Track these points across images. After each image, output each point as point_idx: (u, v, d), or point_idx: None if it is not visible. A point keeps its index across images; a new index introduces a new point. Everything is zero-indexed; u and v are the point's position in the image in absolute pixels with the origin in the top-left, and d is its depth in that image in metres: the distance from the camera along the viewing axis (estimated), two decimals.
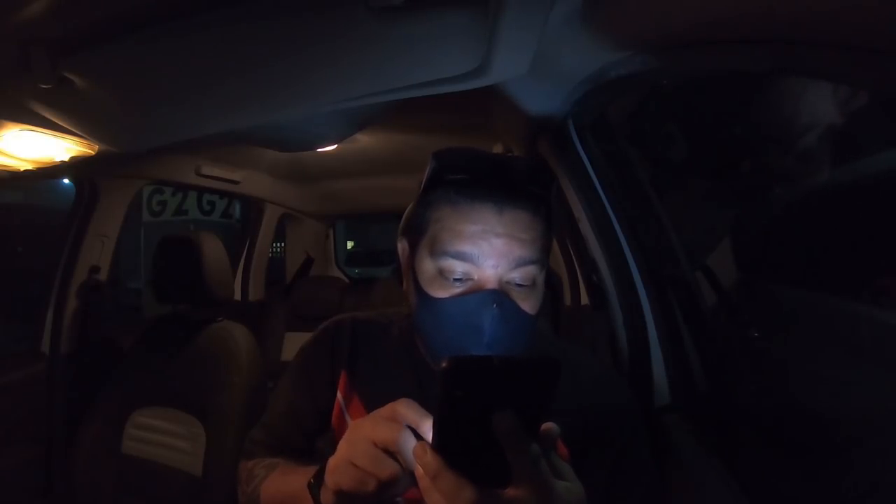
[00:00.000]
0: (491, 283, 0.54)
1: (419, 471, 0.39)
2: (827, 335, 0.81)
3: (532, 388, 0.38)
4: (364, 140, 1.63)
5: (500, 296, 0.53)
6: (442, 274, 0.55)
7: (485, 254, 0.53)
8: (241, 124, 0.84)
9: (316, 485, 0.51)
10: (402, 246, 0.65)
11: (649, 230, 0.89)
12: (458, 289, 0.55)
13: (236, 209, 5.31)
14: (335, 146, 1.46)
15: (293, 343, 2.28)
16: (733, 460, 0.65)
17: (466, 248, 0.53)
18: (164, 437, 1.21)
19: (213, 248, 1.27)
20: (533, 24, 0.57)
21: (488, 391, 0.37)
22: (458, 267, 0.54)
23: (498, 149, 1.47)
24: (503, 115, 1.05)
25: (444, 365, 0.36)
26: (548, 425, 0.41)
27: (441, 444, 0.39)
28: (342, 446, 0.45)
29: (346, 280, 2.88)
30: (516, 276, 0.54)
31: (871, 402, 0.67)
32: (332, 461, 0.46)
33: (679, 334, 0.83)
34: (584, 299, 1.65)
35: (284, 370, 0.75)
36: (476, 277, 0.54)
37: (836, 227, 0.84)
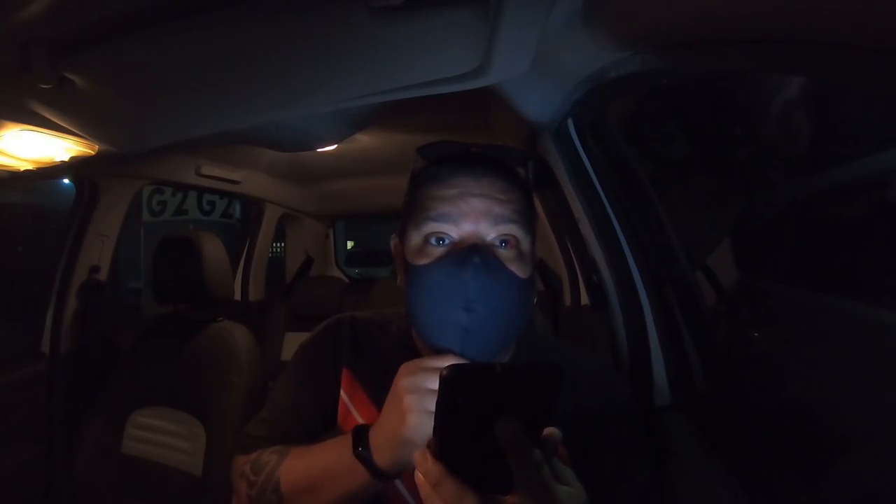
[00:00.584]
0: (472, 240, 0.54)
1: (420, 478, 0.39)
2: (826, 335, 0.81)
3: (534, 394, 0.38)
4: (364, 140, 1.63)
5: (481, 250, 0.53)
6: (426, 241, 0.56)
7: (463, 213, 0.55)
8: (241, 124, 0.85)
9: (364, 451, 0.52)
10: (394, 242, 0.65)
11: (649, 230, 0.89)
12: (441, 252, 0.55)
13: (236, 209, 5.31)
14: (335, 146, 1.46)
15: (293, 343, 2.28)
16: (733, 460, 0.65)
17: (445, 209, 0.55)
18: (164, 437, 1.21)
19: (213, 248, 1.27)
20: (533, 23, 0.57)
21: (490, 398, 0.37)
22: (439, 228, 0.55)
23: None
24: (503, 115, 1.05)
25: (444, 373, 0.36)
26: (550, 430, 0.41)
27: (443, 451, 0.39)
28: (410, 402, 0.49)
29: (346, 280, 2.88)
30: (497, 234, 0.55)
31: (870, 401, 0.67)
32: (414, 420, 0.48)
33: (679, 334, 0.83)
34: (584, 299, 1.65)
35: (284, 369, 0.75)
36: (457, 237, 0.55)
37: (836, 227, 0.84)
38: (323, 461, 0.58)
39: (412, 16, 0.53)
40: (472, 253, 0.52)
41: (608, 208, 0.89)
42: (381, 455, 0.52)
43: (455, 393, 0.37)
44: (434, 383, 0.44)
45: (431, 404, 0.44)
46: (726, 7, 0.43)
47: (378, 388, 0.65)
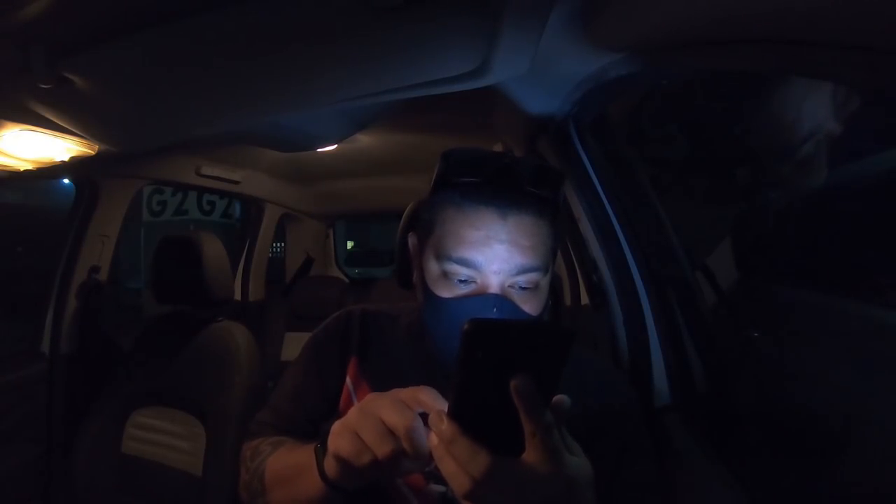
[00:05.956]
0: (493, 288, 0.55)
1: (434, 439, 0.39)
2: (826, 335, 0.81)
3: (546, 356, 0.39)
4: (364, 140, 1.63)
5: (500, 300, 0.54)
6: (446, 276, 0.56)
7: (487, 260, 0.54)
8: (241, 124, 0.85)
9: (322, 450, 0.51)
10: (412, 241, 0.66)
11: (649, 230, 0.89)
12: (461, 290, 0.56)
13: (236, 209, 5.30)
14: (335, 146, 1.46)
15: (293, 343, 2.28)
16: (733, 460, 0.65)
17: (469, 254, 0.54)
18: (164, 437, 1.21)
19: (213, 248, 1.27)
20: (533, 24, 0.57)
21: (506, 355, 0.38)
22: (462, 271, 0.55)
23: (498, 148, 1.47)
24: (503, 115, 1.05)
25: (465, 327, 0.37)
26: (560, 398, 0.41)
27: (457, 411, 0.39)
28: (352, 413, 0.46)
29: (346, 280, 2.88)
30: (519, 280, 0.55)
31: (869, 401, 0.67)
32: (337, 425, 0.47)
33: (679, 334, 0.83)
34: (584, 299, 1.65)
35: (285, 369, 0.75)
36: (479, 281, 0.55)
37: (836, 227, 0.84)
38: (299, 457, 0.56)
39: (413, 16, 0.53)
40: (491, 305, 0.54)
41: (608, 208, 0.89)
42: (328, 461, 0.48)
43: (474, 347, 0.37)
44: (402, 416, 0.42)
45: (377, 432, 0.42)
46: (726, 8, 0.43)
47: (382, 379, 0.67)
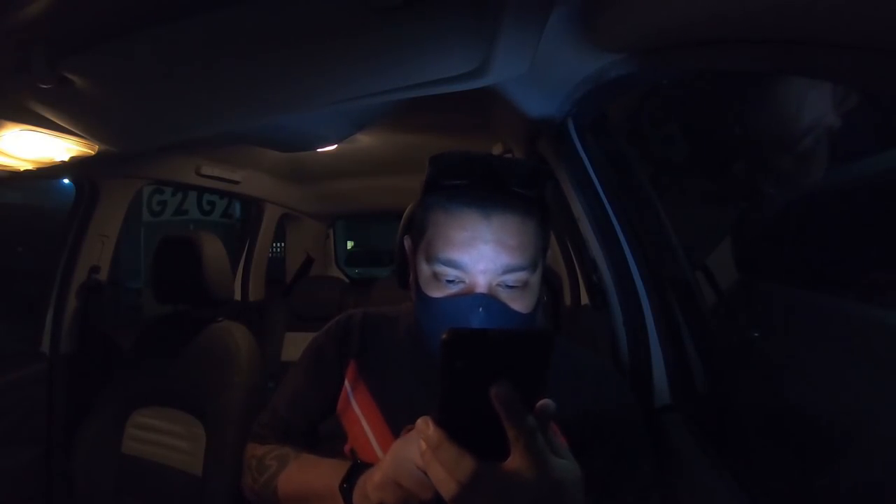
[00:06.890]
0: (480, 287, 0.56)
1: (422, 445, 0.41)
2: (826, 335, 0.81)
3: (527, 362, 0.39)
4: (364, 140, 1.63)
5: (487, 299, 0.55)
6: (436, 276, 0.58)
7: (473, 260, 0.55)
8: (241, 124, 0.85)
9: (348, 489, 0.54)
10: (407, 244, 0.67)
11: (649, 230, 0.89)
12: (450, 290, 0.57)
13: (236, 209, 5.31)
14: (335, 146, 1.46)
15: (293, 343, 2.28)
16: (733, 460, 0.65)
17: (456, 255, 0.56)
18: (164, 436, 1.21)
19: (213, 248, 1.27)
20: (533, 24, 0.57)
21: (486, 363, 0.38)
22: (450, 272, 0.57)
23: (498, 149, 1.47)
24: (503, 115, 1.05)
25: (443, 337, 0.38)
26: (544, 402, 0.41)
27: (443, 418, 0.40)
28: (387, 464, 0.49)
29: (346, 280, 2.88)
30: (506, 279, 0.57)
31: (869, 401, 0.67)
32: (378, 478, 0.49)
33: (679, 334, 0.83)
34: (584, 299, 1.65)
35: (285, 370, 0.77)
36: (467, 281, 0.57)
37: (836, 227, 0.84)
38: (315, 484, 0.60)
39: (412, 16, 0.53)
40: (477, 305, 0.55)
41: (608, 208, 0.89)
42: (358, 501, 0.52)
43: (453, 356, 0.38)
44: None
45: (417, 479, 0.45)
46: (726, 7, 0.43)
47: (380, 381, 0.68)
